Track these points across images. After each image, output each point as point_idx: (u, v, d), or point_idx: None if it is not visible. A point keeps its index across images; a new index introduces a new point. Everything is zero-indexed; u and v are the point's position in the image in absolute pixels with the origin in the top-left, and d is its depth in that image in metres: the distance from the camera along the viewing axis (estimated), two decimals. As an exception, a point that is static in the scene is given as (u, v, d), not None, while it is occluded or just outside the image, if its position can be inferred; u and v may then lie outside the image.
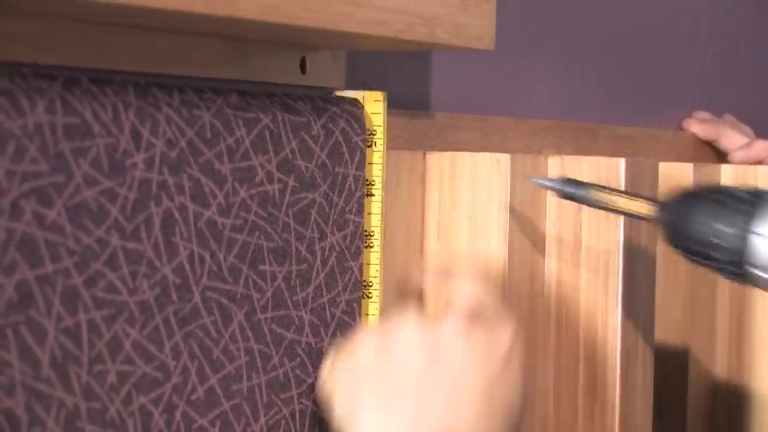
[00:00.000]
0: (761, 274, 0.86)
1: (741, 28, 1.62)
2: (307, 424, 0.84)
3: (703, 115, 1.51)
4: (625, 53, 1.38)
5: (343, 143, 0.87)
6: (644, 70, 1.42)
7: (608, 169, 1.00)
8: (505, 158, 0.97)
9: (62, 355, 0.68)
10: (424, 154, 0.99)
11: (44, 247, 0.67)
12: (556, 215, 1.01)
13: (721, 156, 1.48)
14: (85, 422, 0.69)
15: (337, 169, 0.87)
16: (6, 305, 0.65)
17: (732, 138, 1.47)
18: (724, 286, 1.32)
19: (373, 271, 0.90)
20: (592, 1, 1.31)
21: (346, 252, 0.87)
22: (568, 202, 0.96)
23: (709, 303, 1.31)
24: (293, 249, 0.83)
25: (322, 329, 0.86)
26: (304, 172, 0.84)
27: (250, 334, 0.80)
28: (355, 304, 0.88)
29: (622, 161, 1.00)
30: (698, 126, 1.49)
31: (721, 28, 1.57)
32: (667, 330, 1.23)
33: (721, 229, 0.86)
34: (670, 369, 1.24)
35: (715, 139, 1.48)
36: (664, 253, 1.22)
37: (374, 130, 0.90)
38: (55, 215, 0.68)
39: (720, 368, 1.32)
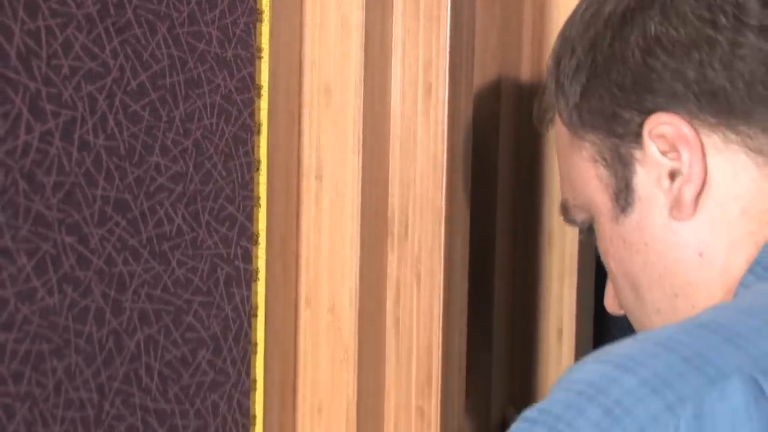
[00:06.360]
0: None
1: None
2: (220, 119, 0.84)
3: None
4: None
5: None
6: None
7: None
8: None
9: (25, 50, 0.66)
10: None
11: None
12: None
13: None
14: (45, 103, 0.68)
15: None
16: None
17: None
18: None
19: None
20: None
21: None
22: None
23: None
24: (203, -20, 0.81)
25: (225, 43, 0.84)
26: None
27: (171, 42, 0.78)
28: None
29: None
30: None
31: None
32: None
33: None
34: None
35: None
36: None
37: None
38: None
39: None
